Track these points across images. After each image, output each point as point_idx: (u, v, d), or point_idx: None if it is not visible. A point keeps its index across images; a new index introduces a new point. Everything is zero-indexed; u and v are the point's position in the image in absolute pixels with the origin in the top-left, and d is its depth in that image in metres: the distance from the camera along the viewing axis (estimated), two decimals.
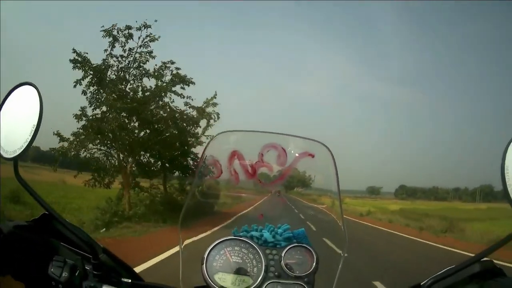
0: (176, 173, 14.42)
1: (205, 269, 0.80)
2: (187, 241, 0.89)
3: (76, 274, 0.61)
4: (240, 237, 0.84)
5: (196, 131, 13.04)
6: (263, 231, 0.86)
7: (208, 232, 0.91)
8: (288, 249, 0.82)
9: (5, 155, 0.63)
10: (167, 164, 13.62)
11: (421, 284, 0.69)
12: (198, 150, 13.40)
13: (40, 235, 0.65)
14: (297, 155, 0.83)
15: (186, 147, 13.19)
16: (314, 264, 0.81)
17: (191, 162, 13.74)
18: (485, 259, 0.66)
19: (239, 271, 0.80)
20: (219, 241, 0.83)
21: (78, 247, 0.69)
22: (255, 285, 0.78)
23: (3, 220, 0.66)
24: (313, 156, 0.83)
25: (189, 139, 12.91)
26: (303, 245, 0.83)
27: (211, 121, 12.87)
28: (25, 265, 0.61)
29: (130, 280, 0.68)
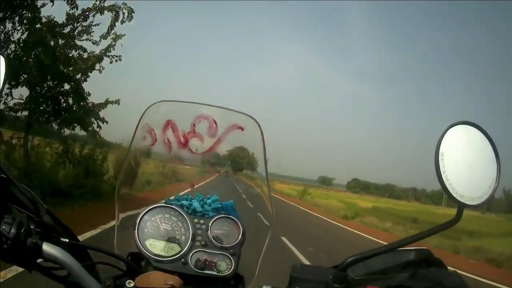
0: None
1: (136, 234, 0.81)
2: (122, 215, 0.90)
3: (22, 230, 0.64)
4: (171, 205, 0.85)
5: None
6: (192, 200, 0.88)
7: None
8: (216, 219, 0.85)
9: None
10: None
11: (340, 264, 0.66)
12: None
13: None
14: (227, 126, 0.86)
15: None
16: (240, 236, 0.84)
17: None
18: (421, 247, 0.66)
19: (169, 238, 0.82)
20: (150, 207, 0.84)
21: (26, 209, 0.71)
22: (181, 252, 0.80)
23: None
24: (242, 129, 0.86)
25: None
26: (231, 216, 0.86)
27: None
28: None
29: (67, 240, 0.71)
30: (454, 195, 0.57)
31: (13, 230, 0.63)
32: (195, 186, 0.96)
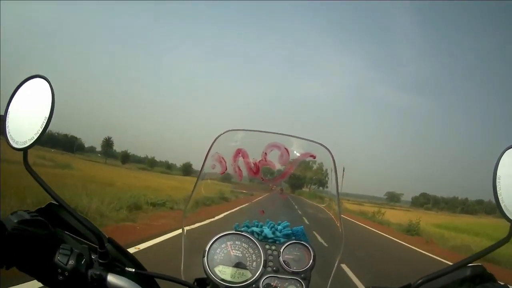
0: None
1: (206, 261, 0.82)
2: (187, 228, 0.92)
3: (82, 262, 0.62)
4: (241, 232, 0.87)
5: None
6: (263, 227, 0.89)
7: (209, 220, 0.93)
8: (287, 245, 0.85)
9: (15, 146, 0.64)
10: None
11: (411, 284, 0.70)
12: None
13: (46, 227, 0.65)
14: (299, 155, 0.87)
15: None
16: (311, 261, 0.84)
17: None
18: (475, 264, 0.67)
19: (239, 264, 0.83)
20: (220, 235, 0.86)
21: (84, 237, 0.71)
22: (253, 278, 0.81)
23: (4, 213, 0.66)
24: (314, 157, 0.86)
25: None
26: (301, 242, 0.86)
27: None
28: (31, 258, 0.61)
29: (133, 270, 0.69)
30: (508, 215, 0.59)
31: (71, 262, 0.61)
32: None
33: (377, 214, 32.10)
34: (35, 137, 0.63)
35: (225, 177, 0.92)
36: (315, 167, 0.91)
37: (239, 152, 0.87)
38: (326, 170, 0.96)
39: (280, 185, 0.99)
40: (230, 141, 0.90)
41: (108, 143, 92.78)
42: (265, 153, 0.86)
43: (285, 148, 0.85)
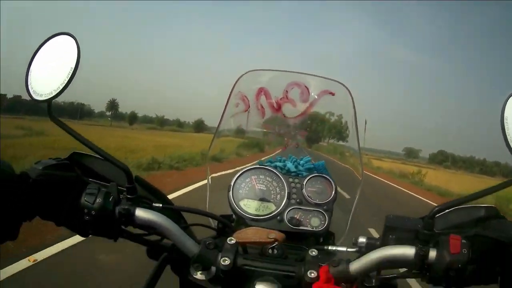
0: None
1: (231, 195, 0.85)
2: (213, 175, 0.96)
3: (110, 199, 0.62)
4: (265, 166, 0.91)
5: None
6: (286, 161, 0.94)
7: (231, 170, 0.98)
8: (309, 178, 0.89)
9: (39, 98, 0.63)
10: None
11: (428, 214, 0.70)
12: None
13: (72, 169, 0.66)
14: (318, 92, 0.90)
15: None
16: (333, 193, 0.87)
17: None
18: (489, 205, 0.70)
19: (263, 198, 0.85)
20: (245, 169, 0.89)
21: (109, 182, 0.70)
22: (278, 211, 0.84)
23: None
24: (333, 94, 0.89)
25: None
26: (323, 175, 0.90)
27: None
28: (56, 203, 0.61)
29: (161, 204, 0.70)
30: None
31: (99, 200, 0.61)
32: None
33: (416, 175, 24.43)
34: (61, 87, 0.62)
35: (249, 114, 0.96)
36: (333, 119, 0.94)
37: (261, 91, 0.91)
38: (346, 122, 0.98)
39: (296, 139, 1.02)
40: (252, 81, 0.93)
41: (113, 105, 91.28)
42: (286, 91, 0.89)
43: (305, 86, 0.88)
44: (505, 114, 0.62)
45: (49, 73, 0.64)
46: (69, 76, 0.62)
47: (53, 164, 0.63)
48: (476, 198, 0.67)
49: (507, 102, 0.63)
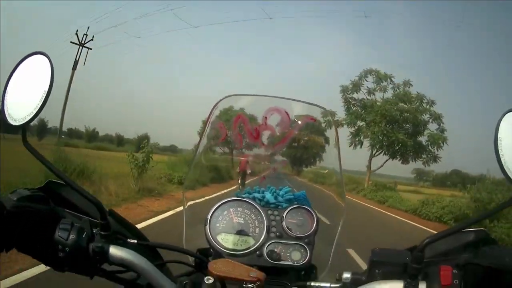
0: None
1: (208, 229, 0.81)
2: (190, 202, 0.91)
3: (83, 236, 0.61)
4: (243, 198, 0.86)
5: None
6: (265, 192, 0.89)
7: (212, 195, 0.93)
8: (289, 210, 0.85)
9: (13, 123, 0.63)
10: None
11: (417, 245, 0.68)
12: None
13: (46, 202, 0.65)
14: (299, 118, 0.86)
15: None
16: (314, 225, 0.83)
17: None
18: (478, 228, 0.68)
19: (241, 231, 0.82)
20: (222, 202, 0.85)
21: (84, 214, 0.70)
22: (256, 245, 0.80)
23: (3, 190, 0.67)
24: (314, 121, 0.86)
25: None
26: (304, 206, 0.85)
27: None
28: (31, 236, 0.60)
29: (136, 241, 0.68)
30: (511, 176, 0.59)
31: (72, 236, 0.60)
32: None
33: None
34: (34, 112, 0.62)
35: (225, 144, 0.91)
36: (314, 145, 0.91)
37: (239, 118, 0.86)
38: (328, 147, 0.95)
39: (276, 168, 0.96)
40: (231, 107, 0.89)
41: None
42: (265, 118, 0.85)
43: (285, 112, 0.84)
44: (499, 135, 0.61)
45: (23, 96, 0.64)
46: (42, 100, 0.62)
47: (28, 195, 0.63)
48: (470, 225, 0.66)
49: (501, 122, 0.61)
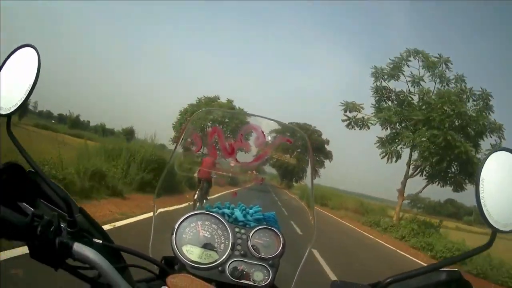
0: None
1: (174, 239, 0.81)
2: (160, 210, 0.90)
3: (51, 229, 0.62)
4: (212, 212, 0.85)
5: None
6: (235, 209, 0.88)
7: (184, 205, 0.92)
8: (257, 230, 0.84)
9: (0, 112, 0.65)
10: None
11: (380, 281, 0.68)
12: None
13: (20, 194, 0.67)
14: (275, 139, 0.85)
15: None
16: (280, 248, 0.82)
17: None
18: (452, 268, 0.66)
19: (207, 245, 0.81)
20: (190, 213, 0.84)
21: (58, 207, 0.71)
22: (220, 261, 0.79)
23: None
24: (290, 143, 0.85)
25: None
26: (272, 228, 0.85)
27: None
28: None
29: (101, 241, 0.69)
30: (490, 220, 0.58)
31: (40, 228, 0.61)
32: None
33: None
34: (19, 103, 0.65)
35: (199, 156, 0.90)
36: (288, 165, 0.90)
37: (214, 131, 0.85)
38: (302, 168, 0.95)
39: (262, 174, 0.97)
40: (207, 120, 0.88)
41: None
42: (241, 134, 0.84)
43: (262, 131, 0.84)
44: (482, 175, 0.59)
45: (11, 87, 0.66)
46: (27, 92, 0.65)
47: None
48: (438, 268, 0.65)
49: (485, 162, 0.60)
